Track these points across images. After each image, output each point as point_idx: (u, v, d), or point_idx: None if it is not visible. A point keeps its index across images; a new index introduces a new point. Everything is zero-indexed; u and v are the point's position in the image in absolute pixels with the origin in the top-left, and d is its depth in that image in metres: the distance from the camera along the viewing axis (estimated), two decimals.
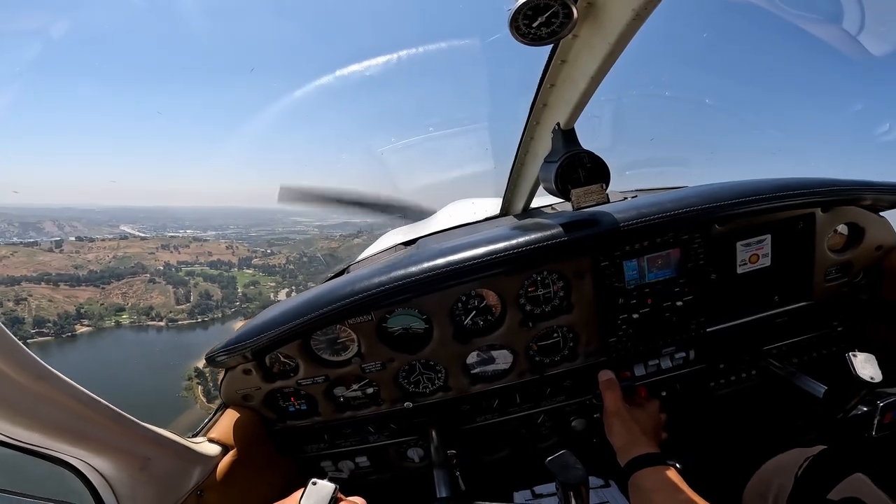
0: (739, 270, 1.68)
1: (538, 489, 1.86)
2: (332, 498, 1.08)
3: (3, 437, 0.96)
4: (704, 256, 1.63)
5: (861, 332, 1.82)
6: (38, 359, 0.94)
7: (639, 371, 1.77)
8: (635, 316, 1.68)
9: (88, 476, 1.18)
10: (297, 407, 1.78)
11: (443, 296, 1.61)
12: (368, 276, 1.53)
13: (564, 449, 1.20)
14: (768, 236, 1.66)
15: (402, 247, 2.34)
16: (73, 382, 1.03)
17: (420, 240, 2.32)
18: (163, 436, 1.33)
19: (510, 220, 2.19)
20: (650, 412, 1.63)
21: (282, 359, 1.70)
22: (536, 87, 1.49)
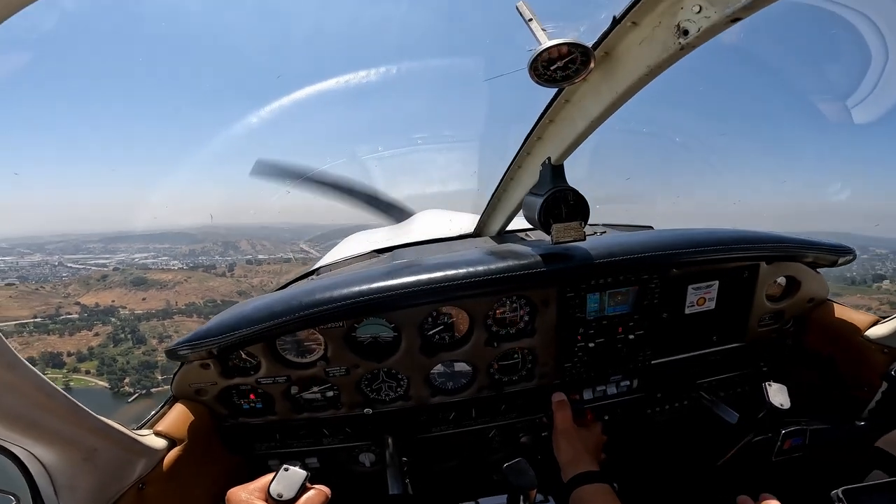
0: (687, 311, 1.83)
1: (483, 501, 1.92)
2: (301, 485, 1.08)
3: None
4: (659, 296, 1.76)
5: (783, 372, 2.02)
6: (10, 348, 0.89)
7: (587, 395, 1.88)
8: (591, 345, 1.78)
9: (27, 464, 1.11)
10: (252, 405, 1.74)
11: (415, 310, 1.63)
12: (347, 284, 1.53)
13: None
14: (716, 282, 1.82)
15: (376, 254, 2.34)
16: (35, 370, 0.97)
17: (395, 250, 2.33)
18: (110, 426, 1.27)
19: (487, 242, 2.25)
20: (594, 433, 1.75)
21: (243, 356, 1.66)
22: (536, 120, 1.55)
